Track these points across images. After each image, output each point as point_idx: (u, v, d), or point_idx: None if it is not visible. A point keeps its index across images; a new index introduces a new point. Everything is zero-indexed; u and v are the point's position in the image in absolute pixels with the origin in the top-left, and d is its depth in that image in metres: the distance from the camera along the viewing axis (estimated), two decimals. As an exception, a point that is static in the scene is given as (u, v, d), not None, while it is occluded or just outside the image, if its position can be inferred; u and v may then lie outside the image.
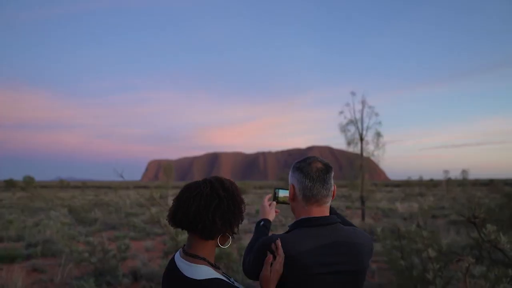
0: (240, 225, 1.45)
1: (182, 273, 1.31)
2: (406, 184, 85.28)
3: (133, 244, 10.22)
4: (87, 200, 33.02)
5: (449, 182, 67.10)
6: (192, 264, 1.32)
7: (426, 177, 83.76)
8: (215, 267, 1.37)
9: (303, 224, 1.53)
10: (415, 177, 78.39)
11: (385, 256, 6.11)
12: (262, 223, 1.83)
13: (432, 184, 78.61)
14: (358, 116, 17.36)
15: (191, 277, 1.29)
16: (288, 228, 1.60)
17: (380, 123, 17.46)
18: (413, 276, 4.68)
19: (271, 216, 1.90)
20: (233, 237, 1.42)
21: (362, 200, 17.24)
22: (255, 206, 26.37)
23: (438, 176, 67.89)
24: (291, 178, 1.62)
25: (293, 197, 1.61)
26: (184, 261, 1.34)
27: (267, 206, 1.92)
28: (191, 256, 1.34)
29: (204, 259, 1.34)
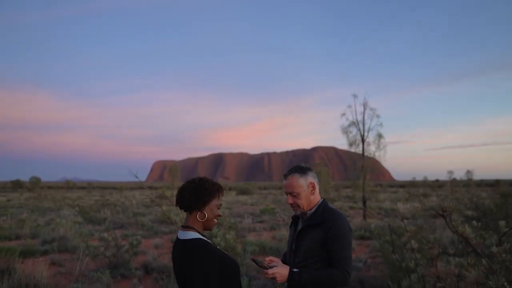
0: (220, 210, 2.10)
1: (178, 237, 1.99)
2: (411, 185, 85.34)
3: (143, 242, 10.73)
4: (93, 201, 33.66)
5: (453, 182, 67.13)
6: (185, 231, 1.97)
7: (432, 177, 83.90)
8: (202, 235, 1.99)
9: (327, 201, 2.36)
10: (420, 177, 78.50)
11: (379, 251, 6.55)
12: (295, 270, 2.12)
13: (437, 185, 78.61)
14: (359, 118, 17.76)
15: (182, 238, 1.95)
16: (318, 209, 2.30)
17: (381, 124, 17.84)
18: (402, 267, 5.13)
19: (287, 267, 2.13)
20: (203, 214, 2.00)
21: (364, 200, 17.64)
22: (260, 206, 26.85)
23: (444, 176, 68.02)
24: (310, 178, 2.32)
25: (315, 190, 2.31)
26: (181, 230, 2.01)
27: (277, 268, 2.10)
28: (186, 227, 2.00)
29: (193, 228, 1.98)
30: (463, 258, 4.42)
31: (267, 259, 2.24)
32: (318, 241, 2.16)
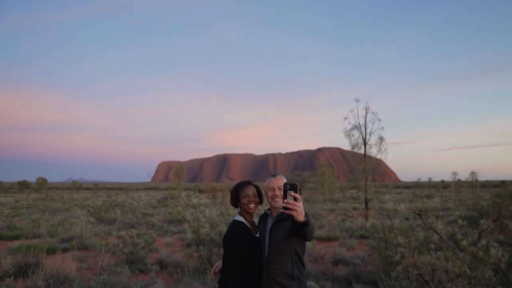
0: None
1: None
2: (416, 186, 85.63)
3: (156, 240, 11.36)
4: (101, 201, 34.38)
5: (458, 183, 67.27)
6: (237, 215, 2.91)
7: (437, 178, 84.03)
8: (247, 221, 2.83)
9: None
10: (425, 178, 78.73)
11: (375, 248, 7.15)
12: (306, 211, 2.39)
13: (442, 186, 78.79)
14: (362, 121, 18.31)
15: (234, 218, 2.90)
16: None
17: (382, 128, 18.34)
18: (393, 261, 5.73)
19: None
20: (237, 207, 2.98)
21: (366, 201, 18.19)
22: (264, 206, 27.31)
23: (449, 177, 68.10)
24: None
25: None
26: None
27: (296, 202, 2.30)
28: (239, 213, 2.91)
29: (241, 214, 2.88)
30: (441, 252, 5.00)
31: None
32: (292, 227, 2.57)
